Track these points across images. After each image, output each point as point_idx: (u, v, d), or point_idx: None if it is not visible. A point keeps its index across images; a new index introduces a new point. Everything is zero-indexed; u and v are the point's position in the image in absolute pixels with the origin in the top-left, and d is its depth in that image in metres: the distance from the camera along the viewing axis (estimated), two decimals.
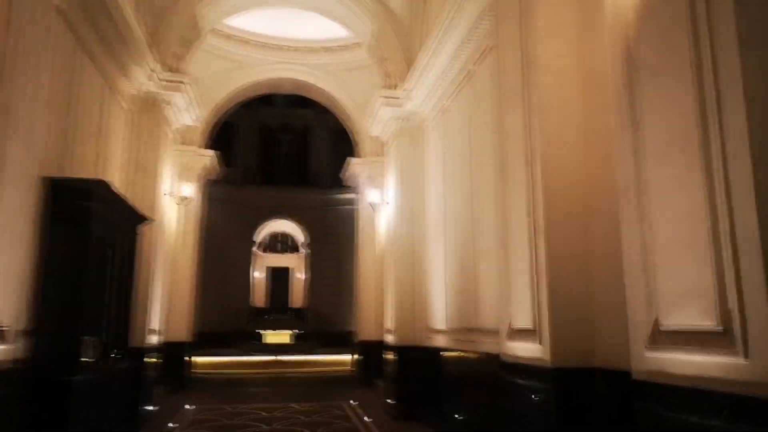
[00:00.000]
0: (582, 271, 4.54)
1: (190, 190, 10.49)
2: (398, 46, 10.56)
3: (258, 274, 29.30)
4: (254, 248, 28.13)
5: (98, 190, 6.30)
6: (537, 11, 4.96)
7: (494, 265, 6.56)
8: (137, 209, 8.09)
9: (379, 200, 11.02)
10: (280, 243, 31.28)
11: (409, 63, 10.41)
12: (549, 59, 4.85)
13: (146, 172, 9.53)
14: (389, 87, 10.63)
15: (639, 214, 3.36)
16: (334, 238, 27.62)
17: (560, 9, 4.97)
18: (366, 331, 13.83)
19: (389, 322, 10.34)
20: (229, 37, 13.38)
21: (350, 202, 27.87)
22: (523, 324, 4.85)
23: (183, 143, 13.15)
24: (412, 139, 10.33)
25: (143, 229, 8.86)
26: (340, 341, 24.47)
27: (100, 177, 6.87)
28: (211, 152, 13.48)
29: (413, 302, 9.84)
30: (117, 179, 8.92)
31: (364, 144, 14.08)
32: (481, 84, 7.41)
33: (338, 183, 28.54)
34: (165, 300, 12.03)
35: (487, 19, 6.83)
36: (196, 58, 12.93)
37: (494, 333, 6.42)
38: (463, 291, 7.77)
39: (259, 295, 28.49)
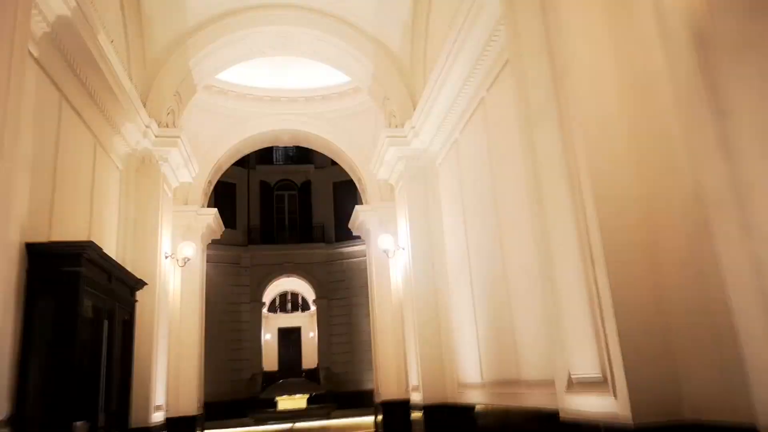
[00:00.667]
0: (654, 303, 3.79)
1: (191, 250, 9.84)
2: (400, 84, 10.11)
3: (268, 337, 28.26)
4: (264, 310, 27.21)
5: (87, 254, 5.64)
6: (562, 10, 4.40)
7: (534, 305, 5.81)
8: (132, 274, 7.41)
9: (392, 246, 10.34)
10: (290, 302, 30.39)
11: (413, 101, 9.95)
12: (583, 63, 4.24)
13: (145, 234, 8.90)
14: (394, 127, 10.13)
15: (743, 226, 2.67)
16: (343, 293, 26.79)
17: (586, 4, 4.41)
18: (387, 390, 12.85)
19: (414, 379, 9.46)
20: (225, 92, 13.03)
21: (358, 254, 27.15)
22: (588, 373, 4.06)
23: (185, 203, 12.60)
24: (423, 178, 9.73)
25: (142, 295, 8.16)
26: (357, 401, 23.23)
27: (92, 240, 6.25)
28: (213, 211, 12.90)
29: (440, 355, 9.00)
30: (113, 243, 8.28)
31: (371, 190, 13.50)
32: (497, 108, 6.84)
33: (343, 236, 28.08)
34: (171, 371, 11.19)
35: (499, 34, 6.30)
36: (193, 117, 12.56)
37: (543, 384, 5.61)
38: (498, 338, 6.97)
39: (270, 358, 27.37)
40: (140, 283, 7.54)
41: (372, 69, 10.28)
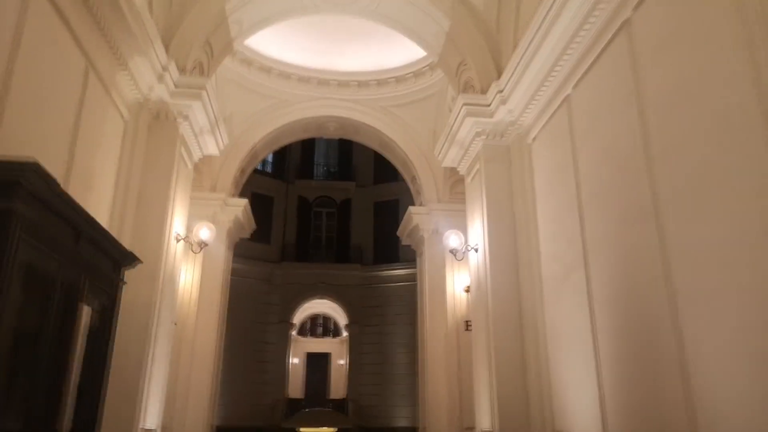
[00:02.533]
0: None
1: (208, 233, 7.61)
2: (483, 46, 7.88)
3: (295, 361, 25.85)
4: (292, 332, 24.89)
5: (28, 182, 3.50)
6: None
7: (742, 323, 3.38)
8: (118, 242, 5.25)
9: (459, 246, 7.95)
10: (320, 326, 28.03)
11: (498, 67, 7.72)
12: None
13: (151, 205, 6.77)
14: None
15: None
16: (377, 320, 24.37)
17: None
18: (436, 427, 10.31)
19: (484, 420, 6.96)
20: (267, 69, 11.08)
21: (395, 278, 24.77)
22: None
23: (213, 190, 10.56)
24: (507, 159, 7.38)
25: (136, 278, 5.98)
26: None
27: (74, 199, 4.10)
28: (243, 202, 10.79)
29: (525, 391, 6.49)
30: (104, 209, 6.16)
31: (428, 190, 11.25)
32: (662, 25, 4.48)
33: (381, 258, 25.79)
34: (177, 386, 8.94)
35: None
36: (229, 93, 10.60)
37: None
38: (645, 374, 4.47)
39: (295, 385, 24.92)
40: (129, 258, 5.36)
41: (447, 28, 8.11)
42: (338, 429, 19.48)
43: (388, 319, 24.23)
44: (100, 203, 6.01)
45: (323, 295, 24.88)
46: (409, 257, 24.90)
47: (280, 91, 11.32)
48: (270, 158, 26.37)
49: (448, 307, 10.56)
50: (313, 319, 27.75)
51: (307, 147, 26.80)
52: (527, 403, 6.43)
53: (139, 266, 5.97)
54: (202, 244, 7.41)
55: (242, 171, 11.32)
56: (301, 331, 26.61)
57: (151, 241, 6.67)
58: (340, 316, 26.42)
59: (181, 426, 9.27)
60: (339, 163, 27.15)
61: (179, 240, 7.23)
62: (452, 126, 7.84)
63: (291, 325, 24.62)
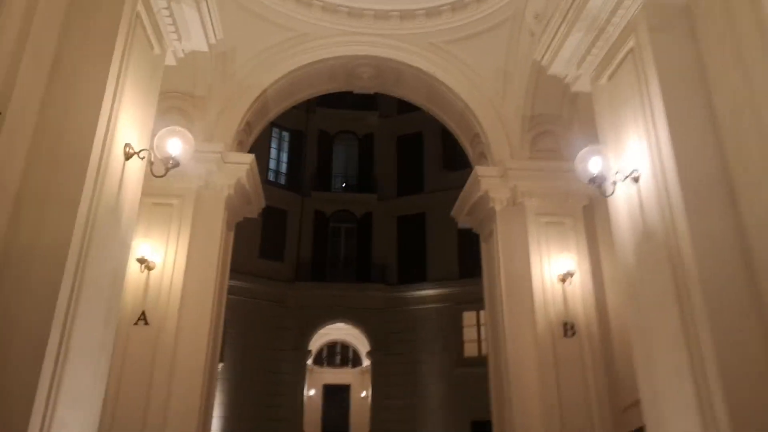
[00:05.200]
0: None
1: (179, 148, 4.12)
2: None
3: (312, 393, 22.20)
4: (308, 361, 21.39)
5: None
6: None
7: None
8: None
9: (605, 173, 4.49)
10: (339, 354, 24.47)
11: None
12: None
13: (73, 84, 3.64)
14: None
15: None
16: (404, 346, 20.92)
17: None
18: None
19: None
20: None
21: (425, 300, 21.31)
22: None
23: (209, 140, 7.43)
24: (702, 21, 4.21)
25: (40, 205, 2.79)
26: None
27: None
28: (248, 158, 7.52)
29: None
30: None
31: (498, 147, 7.99)
32: None
33: (407, 278, 22.32)
34: (139, 413, 5.65)
35: None
36: (231, 17, 7.57)
37: None
38: None
39: (312, 420, 21.18)
40: None
41: None
42: None
43: (417, 345, 20.81)
44: None
45: (342, 319, 21.57)
46: (439, 275, 21.62)
47: (299, 22, 8.25)
48: (284, 168, 23.44)
49: (536, 305, 7.19)
50: (331, 347, 24.31)
51: (323, 155, 23.90)
52: None
53: (46, 184, 2.81)
54: (170, 163, 4.13)
55: (248, 125, 8.16)
56: (317, 360, 23.07)
57: (71, 141, 3.50)
58: (360, 343, 22.99)
59: None
60: (359, 174, 24.15)
61: (131, 155, 4.02)
62: None
63: (307, 353, 21.17)
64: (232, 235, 8.12)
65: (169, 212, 7.07)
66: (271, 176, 22.65)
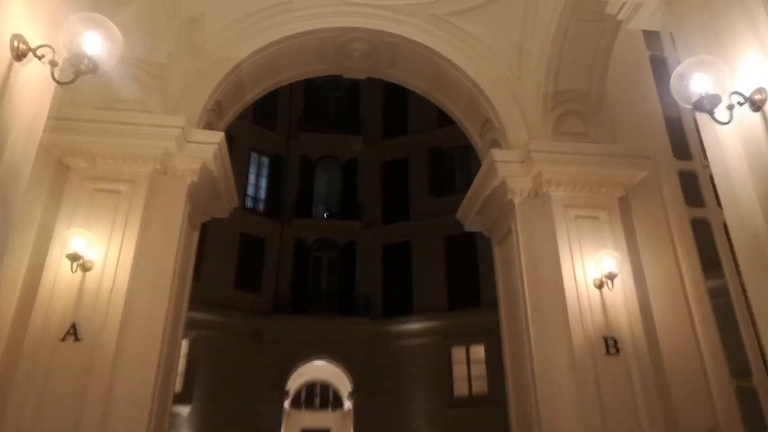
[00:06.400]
0: None
1: (99, 44, 2.71)
2: None
3: None
4: (285, 403, 19.46)
5: None
6: None
7: None
8: None
9: (720, 93, 3.13)
10: (318, 396, 22.46)
11: None
12: None
13: None
14: None
15: None
16: (389, 384, 19.17)
17: None
18: None
19: None
20: None
21: (412, 334, 19.72)
22: None
23: (172, 112, 5.99)
24: None
25: None
26: None
27: None
28: (218, 136, 6.05)
29: None
30: None
31: (514, 129, 6.68)
32: None
33: (393, 310, 20.74)
34: None
35: None
36: None
37: None
38: None
39: None
40: None
41: None
42: None
43: (404, 383, 19.13)
44: None
45: (323, 355, 19.86)
46: (427, 307, 20.07)
47: None
48: (262, 195, 22.03)
49: (571, 318, 5.76)
50: (310, 388, 22.33)
51: (305, 181, 22.58)
52: None
53: None
54: (82, 66, 2.67)
55: (219, 105, 6.75)
56: (295, 403, 21.06)
57: None
58: (341, 384, 21.15)
59: None
60: (342, 201, 22.81)
61: (24, 53, 2.59)
62: None
63: (284, 394, 19.26)
64: (196, 236, 6.59)
65: (115, 200, 5.57)
66: (249, 203, 21.23)
